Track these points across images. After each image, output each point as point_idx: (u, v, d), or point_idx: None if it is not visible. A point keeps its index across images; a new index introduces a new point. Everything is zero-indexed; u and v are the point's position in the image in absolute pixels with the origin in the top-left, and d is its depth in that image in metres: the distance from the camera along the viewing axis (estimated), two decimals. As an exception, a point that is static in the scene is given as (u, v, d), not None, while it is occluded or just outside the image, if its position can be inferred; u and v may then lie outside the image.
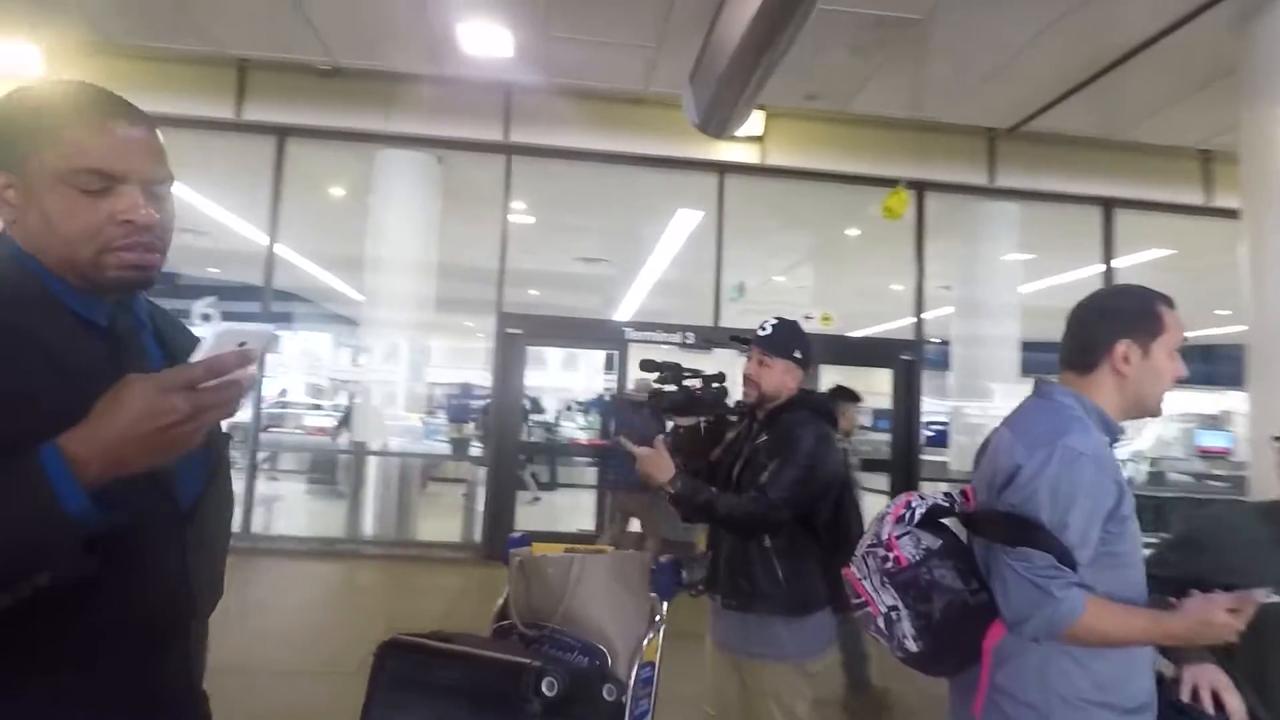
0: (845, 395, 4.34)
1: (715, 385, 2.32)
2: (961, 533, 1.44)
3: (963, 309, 7.90)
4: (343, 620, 4.80)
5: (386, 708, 1.89)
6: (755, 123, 6.57)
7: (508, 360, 6.83)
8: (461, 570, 6.19)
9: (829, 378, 8.56)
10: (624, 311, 12.39)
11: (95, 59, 6.10)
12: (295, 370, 12.84)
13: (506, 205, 6.95)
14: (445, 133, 6.62)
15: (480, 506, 6.85)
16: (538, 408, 11.33)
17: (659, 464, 2.02)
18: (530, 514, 8.36)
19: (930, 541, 1.38)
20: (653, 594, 2.30)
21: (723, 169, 7.05)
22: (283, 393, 14.63)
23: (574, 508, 8.96)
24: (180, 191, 5.98)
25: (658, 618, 2.26)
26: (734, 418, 2.36)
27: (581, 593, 2.19)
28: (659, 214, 8.54)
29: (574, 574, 2.17)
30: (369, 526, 6.83)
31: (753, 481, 2.11)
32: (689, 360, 2.74)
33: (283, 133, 6.60)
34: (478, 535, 6.84)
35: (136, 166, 0.92)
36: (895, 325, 9.67)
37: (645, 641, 2.23)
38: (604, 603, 2.22)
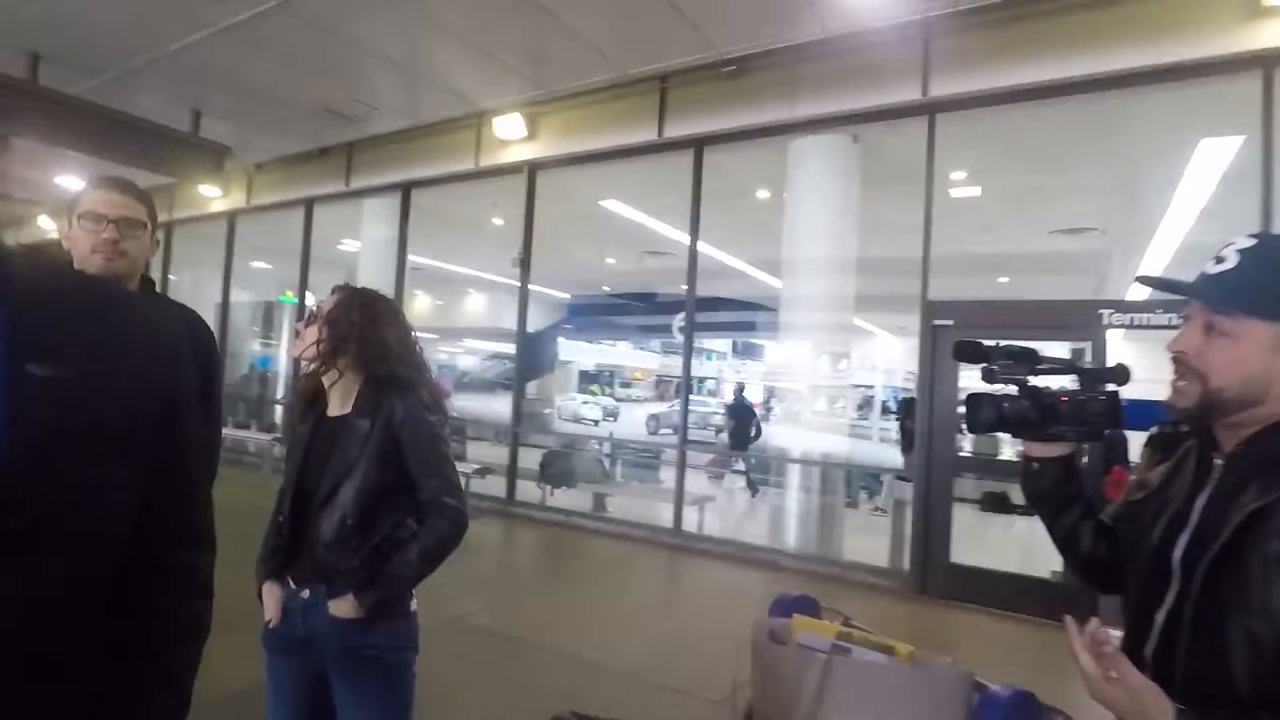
0: None
1: (1100, 393, 1.24)
2: None
3: None
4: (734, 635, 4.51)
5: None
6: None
7: (936, 357, 5.72)
8: (882, 601, 5.38)
9: None
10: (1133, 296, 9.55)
11: (556, 115, 7.26)
12: (743, 373, 13.44)
13: (930, 174, 5.86)
14: (854, 105, 5.92)
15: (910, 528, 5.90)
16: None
17: (1128, 699, 0.97)
18: (984, 543, 6.93)
19: None
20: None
21: (1270, 63, 4.68)
22: (743, 391, 15.46)
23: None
24: (635, 215, 6.61)
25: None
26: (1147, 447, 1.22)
27: (829, 715, 1.38)
28: (1168, 152, 6.23)
29: (811, 682, 1.38)
30: (791, 538, 6.51)
31: (1242, 595, 0.98)
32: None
33: (699, 143, 6.79)
34: (908, 562, 5.89)
35: None
36: None
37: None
38: (867, 741, 1.36)
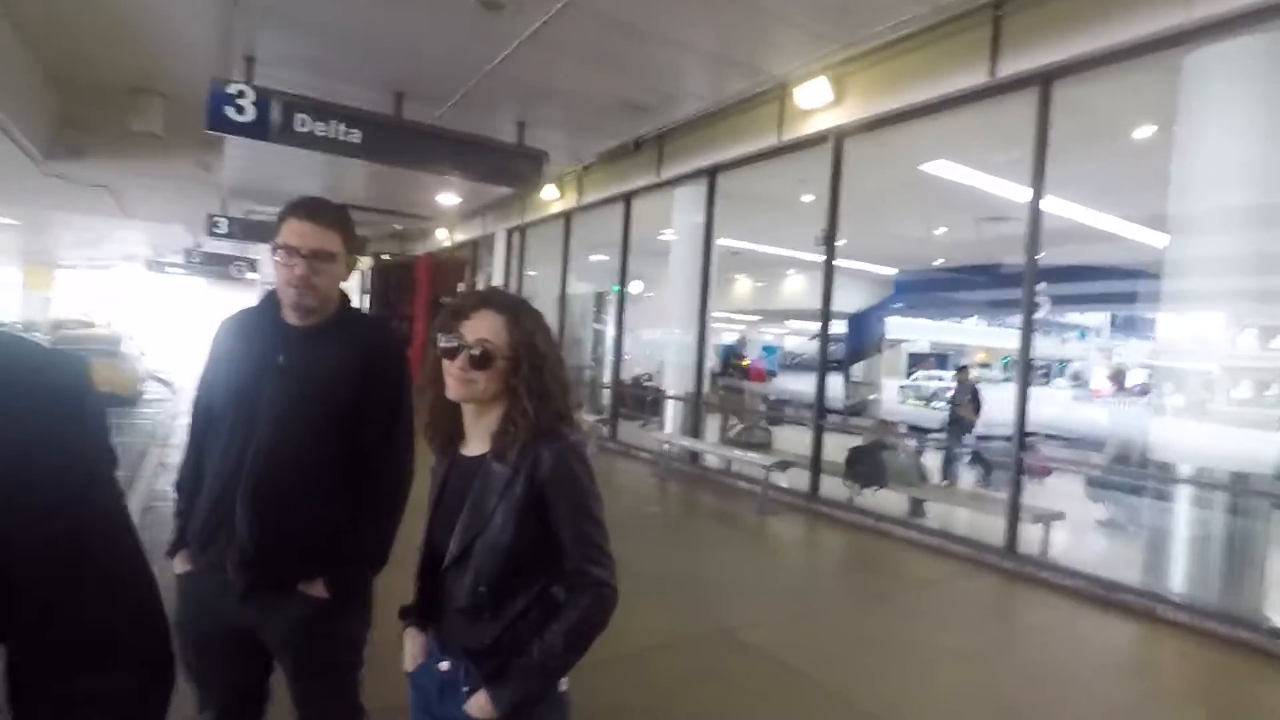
0: None
1: None
2: None
3: None
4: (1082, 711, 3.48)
5: None
6: None
7: None
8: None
9: None
10: None
11: (863, 73, 6.46)
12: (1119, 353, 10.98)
13: None
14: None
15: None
16: None
17: None
18: None
19: None
20: None
21: None
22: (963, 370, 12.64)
23: None
24: (966, 176, 5.62)
25: None
26: None
27: None
28: None
29: None
30: (1176, 580, 4.95)
31: None
32: None
33: (1046, 79, 5.43)
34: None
35: None
36: None
37: None
38: None
